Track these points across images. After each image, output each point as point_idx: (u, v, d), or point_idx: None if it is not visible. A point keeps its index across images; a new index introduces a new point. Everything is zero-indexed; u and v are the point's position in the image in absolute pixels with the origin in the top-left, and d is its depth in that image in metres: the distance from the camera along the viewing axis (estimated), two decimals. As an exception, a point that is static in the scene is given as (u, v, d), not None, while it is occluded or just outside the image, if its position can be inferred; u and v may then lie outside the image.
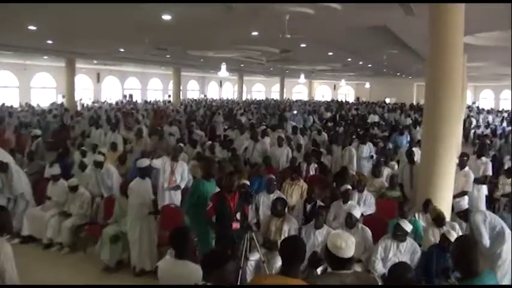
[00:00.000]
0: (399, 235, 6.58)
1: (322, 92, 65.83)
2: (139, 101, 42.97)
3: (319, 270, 5.07)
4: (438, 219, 6.89)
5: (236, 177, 7.26)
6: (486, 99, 55.75)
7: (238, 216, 6.75)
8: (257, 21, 12.42)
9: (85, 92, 40.09)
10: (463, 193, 9.16)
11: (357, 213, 7.11)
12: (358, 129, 20.07)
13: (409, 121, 24.93)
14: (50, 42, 19.54)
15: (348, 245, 3.94)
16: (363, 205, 8.71)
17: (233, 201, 6.78)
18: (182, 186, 9.36)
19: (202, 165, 8.03)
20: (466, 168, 9.37)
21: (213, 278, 3.79)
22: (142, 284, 7.38)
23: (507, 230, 6.42)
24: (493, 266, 6.15)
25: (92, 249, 8.44)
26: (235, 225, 6.72)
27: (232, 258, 4.05)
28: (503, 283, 6.17)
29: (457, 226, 6.98)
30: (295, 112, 29.09)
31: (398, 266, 4.19)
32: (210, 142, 14.31)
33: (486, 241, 6.28)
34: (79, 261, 8.39)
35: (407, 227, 6.64)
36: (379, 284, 4.30)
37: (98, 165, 10.22)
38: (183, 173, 9.51)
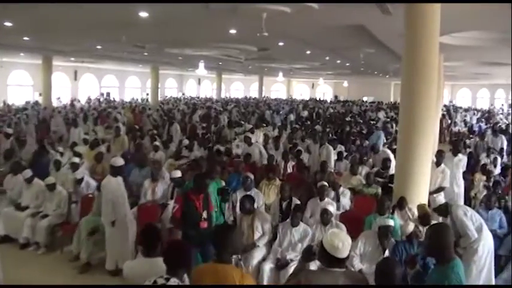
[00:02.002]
0: (385, 234, 6.67)
1: (301, 90, 66.00)
2: (117, 99, 42.75)
3: (314, 264, 5.12)
4: (424, 218, 6.95)
5: (207, 178, 7.31)
6: (463, 98, 56.37)
7: (205, 215, 6.78)
8: (235, 19, 12.41)
9: (62, 90, 39.67)
10: (439, 189, 9.34)
11: (331, 209, 7.15)
12: (336, 128, 20.27)
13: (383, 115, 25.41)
14: (26, 39, 19.28)
15: (344, 245, 3.97)
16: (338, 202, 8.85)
17: (199, 201, 6.79)
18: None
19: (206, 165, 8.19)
20: (442, 165, 9.50)
21: (178, 276, 3.86)
22: (119, 284, 7.37)
23: (484, 226, 6.52)
24: (470, 261, 6.23)
25: (69, 249, 8.40)
26: (203, 225, 6.74)
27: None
28: (480, 278, 6.27)
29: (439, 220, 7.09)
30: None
31: (386, 262, 4.26)
32: (187, 140, 14.31)
33: (473, 233, 6.33)
34: (56, 261, 8.35)
35: (389, 222, 6.77)
36: (370, 283, 4.34)
37: (74, 167, 10.18)
38: (164, 192, 9.53)
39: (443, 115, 26.85)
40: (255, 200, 7.90)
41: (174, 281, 3.82)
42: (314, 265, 4.97)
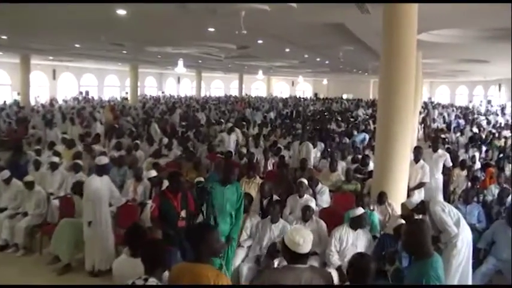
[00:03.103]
0: (356, 223, 6.72)
1: (281, 88, 66.04)
2: (96, 98, 42.43)
3: (276, 261, 5.13)
4: (408, 217, 6.95)
5: (188, 174, 7.29)
6: (442, 95, 56.87)
7: (183, 214, 6.76)
8: (213, 18, 12.38)
9: (41, 89, 39.29)
10: (420, 185, 9.43)
11: (312, 206, 7.17)
12: (316, 126, 20.38)
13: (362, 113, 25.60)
14: (4, 37, 19.09)
15: (305, 241, 4.00)
16: (318, 196, 8.90)
17: (177, 200, 6.77)
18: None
19: (221, 169, 7.87)
20: (422, 161, 9.57)
21: (156, 275, 3.85)
22: (99, 284, 7.33)
23: (462, 220, 6.58)
24: (449, 256, 6.28)
25: (48, 251, 8.27)
26: (181, 223, 6.73)
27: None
28: (458, 272, 6.29)
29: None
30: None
31: (359, 257, 4.20)
32: (167, 139, 14.27)
33: (453, 228, 6.36)
34: (35, 262, 8.23)
35: (359, 211, 6.82)
36: (334, 278, 4.36)
37: (53, 166, 10.10)
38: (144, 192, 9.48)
39: (425, 114, 27.19)
40: (253, 199, 7.91)
41: (152, 281, 3.81)
42: (283, 262, 4.99)
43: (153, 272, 3.91)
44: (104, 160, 8.05)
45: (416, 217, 6.68)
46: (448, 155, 10.85)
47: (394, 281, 4.92)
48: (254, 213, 7.74)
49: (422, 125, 25.21)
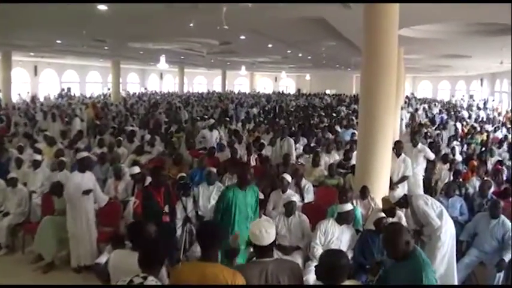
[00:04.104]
0: (343, 218, 6.73)
1: (264, 84, 66.11)
2: (77, 94, 42.09)
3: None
4: (390, 211, 6.98)
5: (171, 170, 7.23)
6: (424, 90, 57.29)
7: (166, 209, 6.73)
8: (195, 13, 12.33)
9: (22, 86, 38.92)
10: (403, 178, 9.50)
11: (295, 200, 7.15)
12: (299, 121, 20.41)
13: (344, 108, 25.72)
14: (-16, 34, 18.93)
15: (265, 232, 4.02)
16: (305, 196, 8.91)
17: (160, 195, 6.74)
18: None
19: (236, 171, 7.25)
20: (403, 155, 9.62)
21: (154, 274, 3.80)
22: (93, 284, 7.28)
23: (445, 212, 6.63)
24: (434, 248, 6.32)
25: (31, 249, 8.21)
26: (165, 219, 6.70)
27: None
28: (442, 264, 6.35)
29: (401, 214, 7.17)
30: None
31: (330, 253, 4.14)
32: (149, 136, 14.22)
33: (436, 221, 6.40)
34: (18, 261, 8.14)
35: (347, 207, 6.82)
36: (301, 269, 4.36)
37: (35, 164, 10.01)
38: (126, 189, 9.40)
39: (414, 111, 27.36)
40: None
41: (152, 280, 3.74)
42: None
43: (151, 270, 3.84)
44: (82, 154, 7.99)
45: (397, 210, 6.74)
46: (427, 149, 10.91)
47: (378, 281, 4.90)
48: None
49: (411, 121, 25.37)
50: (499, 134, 18.51)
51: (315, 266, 4.07)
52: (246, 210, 6.33)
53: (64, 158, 10.22)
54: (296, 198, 7.61)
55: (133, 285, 3.70)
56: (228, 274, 3.77)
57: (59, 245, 7.81)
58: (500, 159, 12.26)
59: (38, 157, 10.45)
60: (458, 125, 21.20)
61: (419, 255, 4.19)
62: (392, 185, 8.75)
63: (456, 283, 6.58)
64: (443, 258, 6.41)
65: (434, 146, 13.75)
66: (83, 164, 7.77)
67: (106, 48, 24.89)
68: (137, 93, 46.90)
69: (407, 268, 4.15)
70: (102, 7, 11.81)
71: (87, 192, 7.54)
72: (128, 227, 4.73)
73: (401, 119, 22.47)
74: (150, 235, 4.60)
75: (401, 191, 7.57)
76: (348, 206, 6.83)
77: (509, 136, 17.71)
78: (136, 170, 9.30)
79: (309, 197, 9.05)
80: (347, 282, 3.89)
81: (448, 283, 6.40)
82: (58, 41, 22.24)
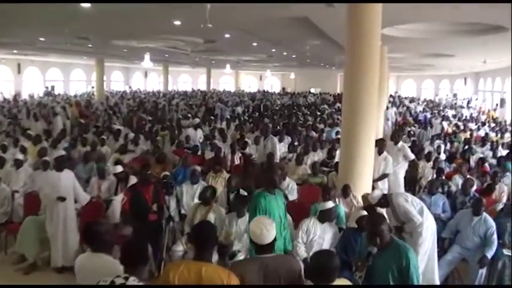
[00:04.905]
0: (325, 216, 6.74)
1: (249, 82, 66.07)
2: (61, 92, 41.78)
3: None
4: (370, 208, 6.99)
5: (154, 169, 7.20)
6: (408, 89, 57.61)
7: (155, 207, 6.71)
8: (179, 11, 12.29)
9: (5, 84, 38.64)
10: (383, 176, 9.56)
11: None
12: (283, 120, 20.46)
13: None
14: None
15: (264, 231, 4.08)
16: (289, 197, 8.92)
17: (148, 193, 6.72)
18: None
19: (264, 173, 6.59)
20: (385, 153, 9.69)
21: (137, 274, 3.77)
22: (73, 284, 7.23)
23: (425, 209, 6.67)
24: (415, 245, 6.36)
25: (13, 250, 8.13)
26: (152, 217, 6.68)
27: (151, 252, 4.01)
28: (424, 261, 6.40)
29: (383, 211, 7.20)
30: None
31: (321, 254, 4.21)
32: (133, 134, 14.16)
33: (417, 217, 6.44)
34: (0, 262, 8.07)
35: (329, 205, 6.85)
36: (301, 264, 4.39)
37: (18, 163, 9.92)
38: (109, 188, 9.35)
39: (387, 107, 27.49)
40: (216, 192, 7.88)
41: (133, 280, 3.70)
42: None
43: (133, 270, 3.78)
44: (58, 153, 7.94)
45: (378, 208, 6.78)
46: (407, 148, 10.95)
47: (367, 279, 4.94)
48: (218, 207, 7.68)
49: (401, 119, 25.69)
50: (482, 133, 18.70)
51: (305, 267, 4.13)
52: (279, 216, 5.86)
53: (47, 158, 10.13)
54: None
55: (115, 285, 3.66)
56: (224, 274, 3.79)
57: (42, 245, 7.78)
58: (482, 156, 12.37)
59: (20, 156, 10.38)
60: (445, 123, 21.42)
61: (398, 245, 4.37)
62: (372, 183, 8.81)
63: (437, 279, 6.64)
64: (425, 255, 6.47)
65: (417, 145, 13.88)
66: (60, 163, 7.71)
67: (90, 46, 24.71)
68: (120, 92, 46.60)
69: (391, 255, 4.31)
70: (85, 4, 11.72)
71: (61, 199, 7.47)
72: (84, 228, 4.69)
73: (387, 119, 22.58)
74: (102, 235, 4.55)
75: (380, 191, 7.59)
76: (329, 204, 6.85)
77: (491, 134, 17.93)
78: (119, 169, 9.25)
79: (293, 195, 9.07)
80: (337, 282, 3.97)
81: (429, 279, 6.45)
82: (41, 39, 22.05)
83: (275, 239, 4.20)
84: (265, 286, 4.00)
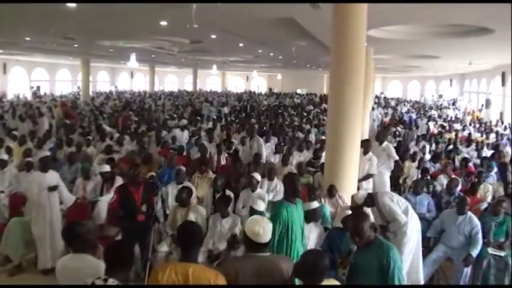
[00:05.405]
0: (310, 216, 6.74)
1: (236, 83, 66.11)
2: (47, 93, 41.50)
3: (240, 251, 5.14)
4: (357, 209, 7.02)
5: (140, 170, 7.17)
6: (394, 90, 57.93)
7: (144, 208, 6.69)
8: (165, 11, 12.26)
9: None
10: (368, 176, 9.63)
11: (260, 206, 6.94)
12: (270, 121, 20.49)
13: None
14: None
15: (265, 230, 4.10)
16: (272, 193, 8.94)
17: (138, 193, 6.70)
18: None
19: (284, 182, 5.86)
20: (370, 153, 9.74)
21: (119, 277, 3.75)
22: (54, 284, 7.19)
23: (410, 208, 6.71)
24: (400, 244, 6.40)
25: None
26: (140, 217, 6.66)
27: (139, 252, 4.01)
28: (408, 260, 6.45)
29: (368, 210, 7.23)
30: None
31: (311, 253, 4.25)
32: (118, 134, 14.11)
33: (402, 217, 6.48)
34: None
35: (313, 205, 6.87)
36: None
37: (2, 164, 9.83)
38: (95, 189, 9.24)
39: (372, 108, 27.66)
40: (192, 192, 7.86)
41: (112, 282, 3.68)
42: (241, 252, 4.99)
43: (115, 272, 3.74)
44: (43, 153, 7.89)
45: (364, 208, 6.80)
46: (391, 149, 10.99)
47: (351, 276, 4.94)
48: (196, 206, 7.68)
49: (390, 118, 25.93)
50: (467, 133, 18.85)
51: (295, 264, 4.13)
52: (300, 225, 5.57)
53: (31, 158, 10.05)
54: (262, 204, 7.60)
55: (95, 285, 3.65)
56: (211, 274, 3.81)
57: (27, 247, 7.72)
58: (466, 156, 12.45)
59: (5, 157, 10.28)
60: (431, 124, 21.57)
61: (382, 243, 4.36)
62: (357, 183, 8.86)
63: (422, 278, 6.69)
64: (409, 254, 6.51)
65: (402, 145, 13.96)
66: (45, 163, 7.68)
67: (76, 45, 24.58)
68: (106, 92, 46.39)
69: (373, 253, 4.31)
70: (71, 4, 11.65)
71: (53, 188, 7.44)
72: (64, 229, 4.66)
73: (374, 120, 22.67)
74: (83, 235, 4.52)
75: (365, 191, 7.62)
76: (314, 204, 6.87)
77: (475, 134, 18.08)
78: (107, 168, 9.21)
79: (280, 196, 9.08)
80: (325, 282, 3.99)
81: (413, 278, 6.51)
82: (27, 38, 21.91)
83: (269, 241, 4.21)
84: (253, 286, 4.01)
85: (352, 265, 4.63)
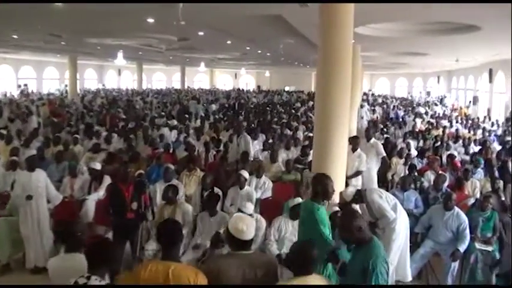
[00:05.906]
0: (294, 212, 6.74)
1: (224, 80, 65.98)
2: (35, 91, 41.23)
3: (225, 250, 5.13)
4: (345, 205, 7.03)
5: (128, 168, 7.16)
6: (382, 87, 58.13)
7: (134, 206, 6.68)
8: (152, 8, 12.23)
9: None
10: (357, 173, 9.68)
11: (249, 209, 6.95)
12: (258, 118, 20.50)
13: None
14: None
15: (248, 228, 4.08)
16: (260, 190, 8.95)
17: (128, 191, 6.69)
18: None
19: (315, 183, 5.53)
20: (359, 150, 9.78)
21: (99, 273, 3.75)
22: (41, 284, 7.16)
23: (399, 205, 6.75)
24: (389, 240, 6.43)
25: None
26: (130, 215, 6.66)
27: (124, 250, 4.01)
28: (397, 255, 6.49)
29: (357, 207, 7.25)
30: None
31: (302, 244, 4.29)
32: (106, 133, 14.05)
33: (391, 214, 6.51)
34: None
35: (297, 200, 6.86)
36: (277, 263, 4.41)
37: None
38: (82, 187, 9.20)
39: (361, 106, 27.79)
40: (178, 190, 7.84)
41: (95, 279, 3.70)
42: (225, 251, 4.99)
43: (97, 270, 3.80)
44: (29, 152, 7.86)
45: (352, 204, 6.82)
46: (379, 145, 11.04)
47: (342, 275, 4.92)
48: (183, 203, 7.66)
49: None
50: (454, 129, 18.96)
51: (286, 254, 4.14)
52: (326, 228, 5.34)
53: (16, 157, 9.97)
54: (254, 195, 7.62)
55: (78, 285, 3.68)
56: (191, 273, 3.79)
57: (14, 246, 7.67)
58: (451, 152, 12.50)
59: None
60: (418, 120, 21.65)
61: (373, 246, 4.22)
62: (346, 179, 8.88)
63: (409, 273, 6.76)
64: (398, 250, 6.56)
65: (390, 141, 14.02)
66: (31, 162, 7.64)
67: (63, 43, 24.44)
68: (94, 90, 46.16)
69: (361, 254, 4.23)
70: (58, 4, 11.60)
71: (29, 197, 7.38)
72: (55, 227, 4.66)
73: (362, 117, 22.73)
74: (76, 235, 4.53)
75: (353, 188, 7.64)
76: (298, 200, 6.87)
77: (462, 131, 18.19)
78: (98, 166, 9.17)
79: (268, 193, 9.10)
80: (311, 277, 4.02)
81: (401, 273, 6.59)
82: (14, 36, 21.75)
83: (253, 239, 4.20)
84: (232, 286, 3.99)
85: (344, 262, 4.64)
